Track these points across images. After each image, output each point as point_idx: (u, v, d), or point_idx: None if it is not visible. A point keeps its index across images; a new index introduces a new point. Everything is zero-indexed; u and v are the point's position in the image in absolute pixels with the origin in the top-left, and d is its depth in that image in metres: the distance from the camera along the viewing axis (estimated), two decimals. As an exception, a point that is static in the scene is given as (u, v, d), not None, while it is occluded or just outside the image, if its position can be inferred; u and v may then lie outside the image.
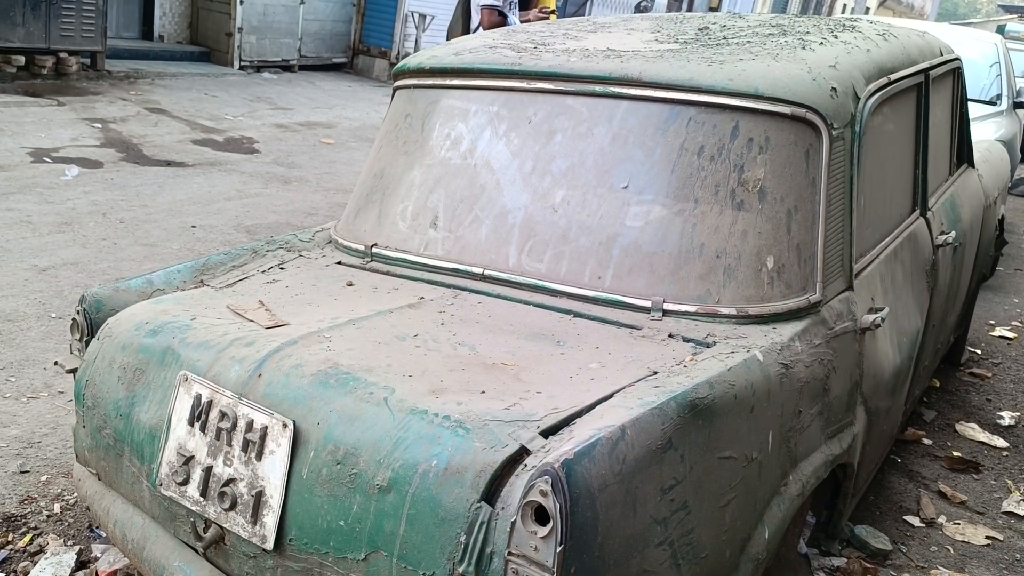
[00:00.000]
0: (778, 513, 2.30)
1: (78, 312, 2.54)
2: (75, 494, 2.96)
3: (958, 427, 4.33)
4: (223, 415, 2.07)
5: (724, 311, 2.39)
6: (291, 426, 1.95)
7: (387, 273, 2.83)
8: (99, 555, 2.61)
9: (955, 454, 4.01)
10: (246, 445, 2.02)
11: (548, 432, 1.85)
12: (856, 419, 2.73)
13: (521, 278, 2.60)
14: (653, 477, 1.85)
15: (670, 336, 2.32)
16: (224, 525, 2.06)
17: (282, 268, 2.92)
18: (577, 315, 2.45)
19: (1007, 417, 4.50)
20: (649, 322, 2.39)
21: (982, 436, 4.25)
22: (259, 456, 2.00)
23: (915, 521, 3.40)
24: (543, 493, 1.65)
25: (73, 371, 2.51)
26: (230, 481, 2.05)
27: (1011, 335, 5.95)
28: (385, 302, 2.53)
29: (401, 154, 3.02)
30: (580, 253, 2.55)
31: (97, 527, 2.77)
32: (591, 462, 1.71)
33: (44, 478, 3.03)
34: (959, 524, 3.41)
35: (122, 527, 2.34)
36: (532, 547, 1.67)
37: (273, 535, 1.97)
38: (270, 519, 1.98)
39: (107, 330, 2.44)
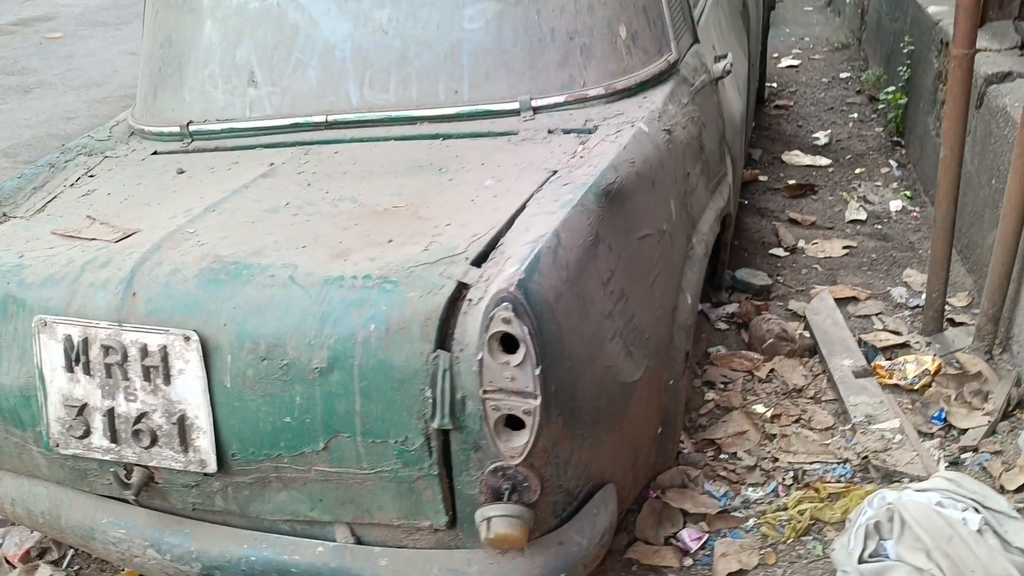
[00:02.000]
0: (693, 277, 2.32)
1: None
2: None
3: (784, 157, 4.55)
4: (106, 349, 1.80)
5: (593, 93, 2.29)
6: (195, 337, 1.73)
7: (216, 150, 2.52)
8: (1, 540, 2.33)
9: (790, 182, 4.22)
10: (147, 373, 1.78)
11: (478, 261, 1.73)
12: (727, 169, 2.77)
13: (371, 114, 2.38)
14: (593, 274, 1.79)
15: (550, 132, 2.21)
16: (150, 464, 1.85)
17: (92, 176, 2.54)
18: (446, 137, 2.28)
19: (821, 137, 4.77)
20: (523, 124, 2.26)
21: (807, 160, 4.50)
22: (167, 380, 1.77)
23: (780, 252, 3.58)
24: (506, 321, 1.55)
25: None
26: (141, 416, 1.81)
27: (796, 63, 6.24)
28: (232, 180, 2.25)
29: (185, 13, 2.62)
30: (427, 71, 2.34)
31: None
32: (541, 276, 1.62)
33: None
34: (816, 243, 3.63)
35: (23, 504, 2.07)
36: (508, 378, 1.58)
37: (213, 456, 1.78)
38: (203, 441, 1.78)
39: (-83, 299, 2.05)
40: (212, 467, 1.79)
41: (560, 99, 2.28)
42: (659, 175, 2.14)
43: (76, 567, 2.28)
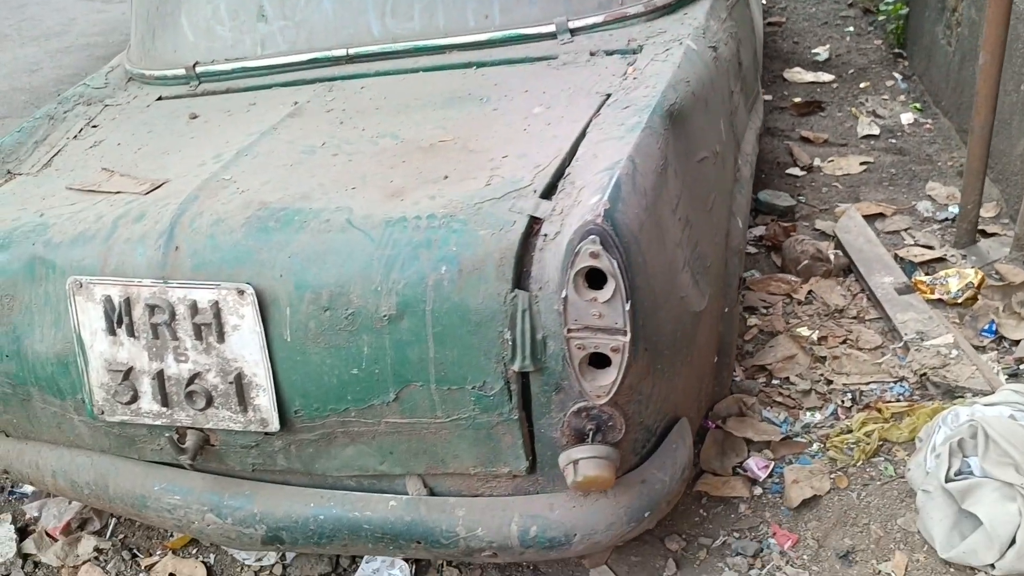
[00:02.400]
0: (742, 200, 2.25)
1: None
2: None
3: (786, 75, 4.45)
4: (151, 309, 1.68)
5: (632, 11, 2.17)
6: (249, 291, 1.62)
7: (227, 91, 2.37)
8: (36, 513, 2.23)
9: (797, 100, 4.13)
10: (198, 331, 1.67)
11: (547, 193, 1.63)
12: (759, 87, 2.67)
13: (395, 45, 2.24)
14: (665, 201, 1.70)
15: (592, 55, 2.09)
16: (206, 427, 1.75)
17: (95, 127, 2.39)
18: (480, 65, 2.16)
19: (821, 52, 4.67)
20: (561, 47, 2.14)
21: (809, 76, 4.40)
22: (220, 338, 1.66)
23: (796, 171, 3.51)
24: (594, 255, 1.46)
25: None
26: (194, 377, 1.71)
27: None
28: (256, 122, 2.12)
29: (181, -54, 2.45)
30: (453, -4, 2.20)
31: (15, 486, 2.35)
32: (624, 205, 1.52)
33: (-91, 461, 2.51)
34: (832, 160, 3.56)
35: (65, 475, 1.96)
36: (595, 315, 1.50)
37: (274, 415, 1.69)
38: (263, 399, 1.69)
39: (-69, 267, 1.91)
40: (274, 426, 1.70)
41: (598, 19, 2.16)
42: (710, 95, 2.04)
43: (121, 536, 2.19)
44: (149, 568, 2.09)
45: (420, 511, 1.73)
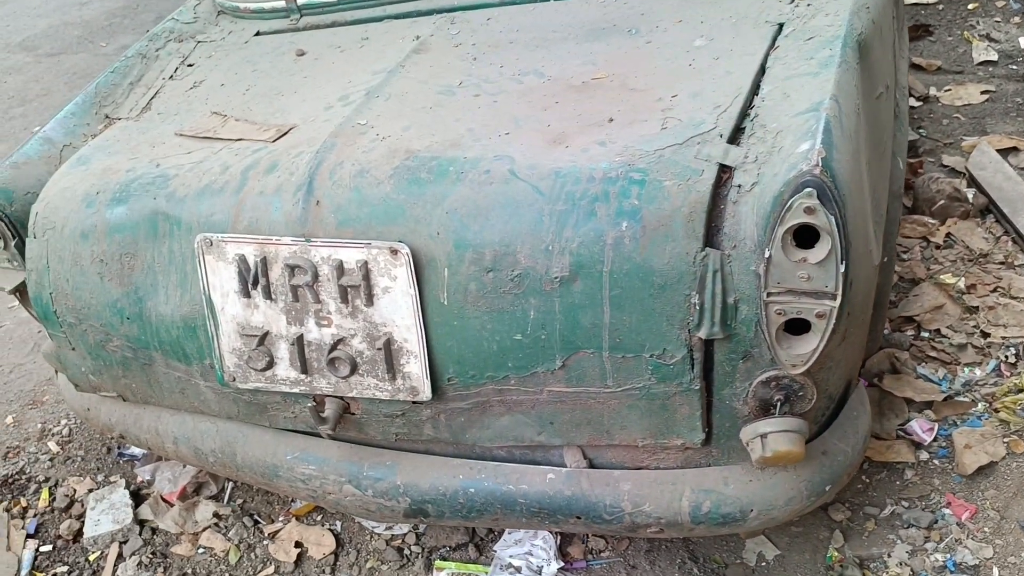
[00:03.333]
0: (901, 139, 2.06)
1: (-17, 214, 1.84)
2: (60, 423, 2.39)
3: None
4: (291, 269, 1.54)
5: (788, -73, 1.95)
6: (405, 250, 1.47)
7: (333, 25, 2.19)
8: (148, 477, 2.13)
9: (900, 24, 3.86)
10: (344, 294, 1.53)
11: (733, 138, 1.45)
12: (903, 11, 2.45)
13: (520, -29, 2.04)
14: (859, 145, 1.51)
15: (748, -22, 1.88)
16: (349, 395, 1.62)
17: (190, 65, 2.23)
18: (619, -8, 1.96)
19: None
20: (712, -30, 1.93)
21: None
22: (368, 300, 1.52)
23: (912, 102, 3.27)
24: (809, 210, 1.28)
25: (17, 289, 1.87)
26: (338, 343, 1.57)
27: None
28: (377, 59, 1.94)
29: None
30: (585, -86, 1.99)
31: (123, 447, 2.26)
32: (838, 153, 1.34)
33: (8, 420, 2.43)
34: (950, 90, 3.32)
35: (188, 442, 1.86)
36: (802, 277, 1.33)
37: (426, 383, 1.55)
38: (414, 367, 1.55)
39: (42, 222, 1.78)
40: (425, 394, 1.57)
41: (750, -63, 1.94)
42: (884, 22, 1.84)
43: (239, 501, 2.09)
44: (273, 535, 2.00)
45: (581, 485, 1.60)
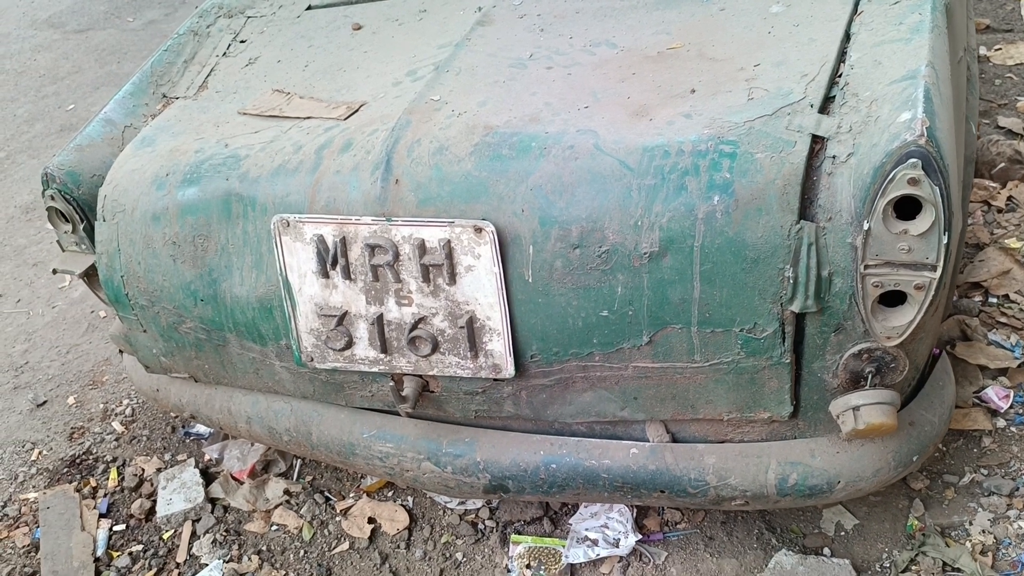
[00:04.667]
0: (974, 103, 2.01)
1: (51, 197, 1.83)
2: (122, 403, 2.40)
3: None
4: (371, 249, 1.53)
5: None
6: (489, 228, 1.45)
7: (386, -3, 2.16)
8: (217, 456, 2.14)
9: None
10: (425, 273, 1.52)
11: (823, 108, 1.42)
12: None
13: (580, -62, 2.00)
14: (950, 112, 1.48)
15: (819, -60, 1.83)
16: (429, 373, 1.62)
17: (243, 42, 2.20)
18: (685, -43, 1.91)
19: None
20: (780, -67, 1.88)
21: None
22: (451, 279, 1.51)
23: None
24: (913, 181, 1.26)
25: (86, 273, 1.87)
26: (419, 322, 1.57)
27: None
28: (440, 32, 1.91)
29: None
30: None
31: (189, 426, 2.27)
32: (940, 121, 1.31)
33: (71, 400, 2.45)
34: (1001, 49, 3.26)
35: (262, 422, 1.86)
36: (903, 249, 1.31)
37: (509, 360, 1.54)
38: (497, 344, 1.54)
39: (111, 205, 1.77)
40: (508, 372, 1.56)
41: None
42: (962, -18, 1.79)
43: (309, 478, 2.10)
44: (345, 511, 2.00)
45: (666, 459, 1.60)
